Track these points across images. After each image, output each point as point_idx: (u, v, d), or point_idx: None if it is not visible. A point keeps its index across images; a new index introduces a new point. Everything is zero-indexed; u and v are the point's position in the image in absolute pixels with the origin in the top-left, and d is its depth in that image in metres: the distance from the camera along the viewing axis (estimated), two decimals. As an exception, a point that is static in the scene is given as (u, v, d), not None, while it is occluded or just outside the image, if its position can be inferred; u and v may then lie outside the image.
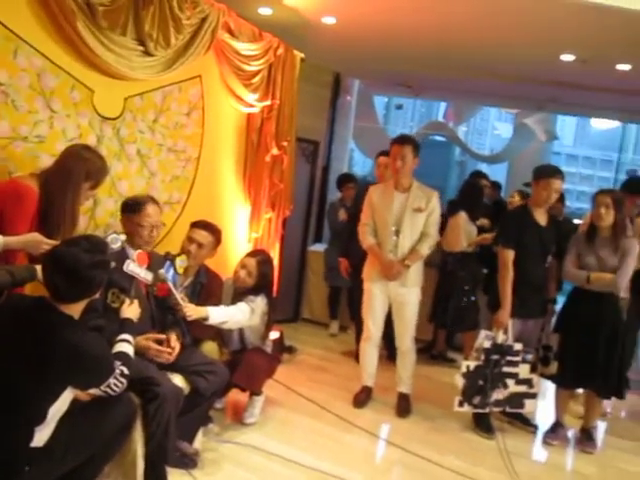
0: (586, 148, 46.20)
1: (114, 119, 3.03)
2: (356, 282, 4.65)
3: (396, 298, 3.72)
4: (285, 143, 4.44)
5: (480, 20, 4.28)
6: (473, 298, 4.51)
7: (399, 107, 19.54)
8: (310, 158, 5.98)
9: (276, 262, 4.50)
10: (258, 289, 3.30)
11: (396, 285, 3.67)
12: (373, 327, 3.80)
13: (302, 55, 4.58)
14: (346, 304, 5.35)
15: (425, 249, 3.63)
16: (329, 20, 4.62)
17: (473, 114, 15.39)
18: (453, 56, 5.37)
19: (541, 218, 3.53)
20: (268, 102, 4.21)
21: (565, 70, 5.36)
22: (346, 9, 4.36)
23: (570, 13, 3.89)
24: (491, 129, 42.73)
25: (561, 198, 4.51)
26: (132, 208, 2.71)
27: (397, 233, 3.62)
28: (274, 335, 3.67)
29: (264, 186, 4.34)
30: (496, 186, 6.92)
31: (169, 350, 2.63)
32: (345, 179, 5.56)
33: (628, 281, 3.40)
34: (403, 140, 3.68)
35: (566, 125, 41.30)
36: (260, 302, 3.26)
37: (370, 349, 3.87)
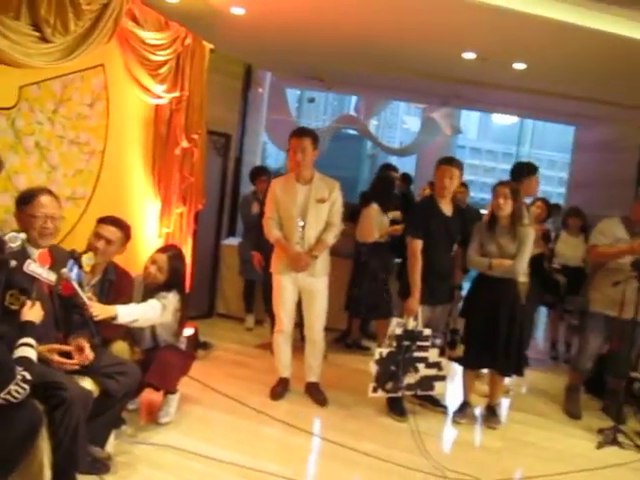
0: (489, 142, 48.82)
1: (8, 109, 2.84)
2: (270, 275, 4.67)
3: (305, 288, 3.78)
4: (195, 136, 4.35)
5: (386, 17, 4.39)
6: (386, 287, 4.65)
7: (311, 100, 19.70)
8: (222, 151, 5.90)
9: (189, 257, 4.42)
10: (170, 285, 3.22)
11: (305, 275, 3.72)
12: (285, 319, 3.84)
13: (211, 46, 4.51)
14: (261, 297, 5.35)
15: (330, 238, 3.71)
16: (238, 11, 4.56)
17: (383, 108, 15.80)
18: (362, 51, 5.48)
19: (446, 208, 3.71)
20: (177, 93, 4.11)
21: (467, 67, 5.61)
22: (255, 0, 4.33)
23: (470, 13, 4.07)
24: (400, 123, 44.05)
25: (464, 186, 4.76)
26: (25, 200, 2.54)
27: (303, 224, 3.67)
28: (188, 332, 3.60)
29: (174, 180, 4.24)
30: (406, 178, 7.18)
31: (76, 362, 2.49)
32: (258, 172, 5.54)
33: (526, 266, 3.65)
34: (301, 133, 3.73)
35: (470, 120, 43.42)
36: (172, 298, 3.19)
37: (283, 341, 3.90)
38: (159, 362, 3.14)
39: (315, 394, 3.88)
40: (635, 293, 3.65)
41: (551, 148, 40.36)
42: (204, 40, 4.38)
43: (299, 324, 3.97)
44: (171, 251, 3.35)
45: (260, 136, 7.35)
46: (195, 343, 4.23)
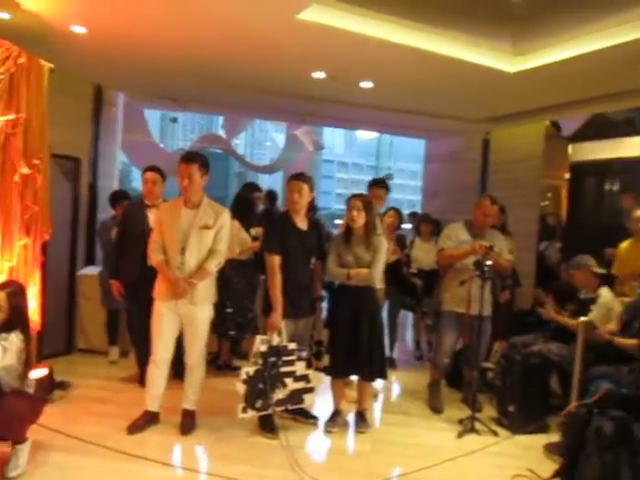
0: (355, 156, 50.97)
1: None
2: (132, 304, 4.46)
3: (185, 316, 3.65)
4: (37, 161, 4.05)
5: (227, 38, 4.43)
6: (252, 304, 4.64)
7: (174, 120, 19.30)
8: (70, 176, 5.55)
9: (38, 291, 4.09)
10: (11, 324, 2.96)
11: (185, 303, 3.60)
12: (160, 347, 3.67)
13: (51, 65, 4.23)
14: (126, 327, 5.09)
15: (212, 266, 3.61)
16: (79, 29, 4.36)
17: (246, 126, 15.89)
18: (209, 70, 5.47)
19: (301, 223, 3.79)
20: (12, 116, 3.80)
21: (319, 86, 5.82)
22: (95, 19, 4.17)
23: (314, 34, 4.23)
24: (270, 140, 44.53)
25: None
26: None
27: (183, 250, 3.56)
28: (38, 373, 3.33)
29: (15, 210, 3.90)
30: (271, 195, 7.25)
31: None
32: (118, 196, 5.31)
33: (382, 273, 3.83)
34: (189, 158, 3.63)
35: (337, 135, 45.10)
36: (14, 339, 2.93)
37: (157, 371, 3.71)
38: (3, 411, 2.86)
39: (183, 422, 3.74)
40: (478, 290, 3.97)
41: (409, 159, 43.04)
42: (44, 59, 4.12)
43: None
44: (10, 287, 3.09)
45: (115, 159, 7.03)
46: (50, 384, 3.92)
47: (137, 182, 18.28)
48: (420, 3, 4.19)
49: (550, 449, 3.64)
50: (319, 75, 5.37)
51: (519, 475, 3.34)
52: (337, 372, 3.88)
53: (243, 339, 4.97)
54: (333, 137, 46.36)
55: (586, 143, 6.72)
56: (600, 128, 6.52)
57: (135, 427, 3.66)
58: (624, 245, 4.81)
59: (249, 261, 4.71)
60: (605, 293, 4.22)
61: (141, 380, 4.20)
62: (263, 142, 44.38)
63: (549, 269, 6.56)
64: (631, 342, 3.65)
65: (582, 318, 3.80)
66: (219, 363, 5.04)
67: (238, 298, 4.57)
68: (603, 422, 3.04)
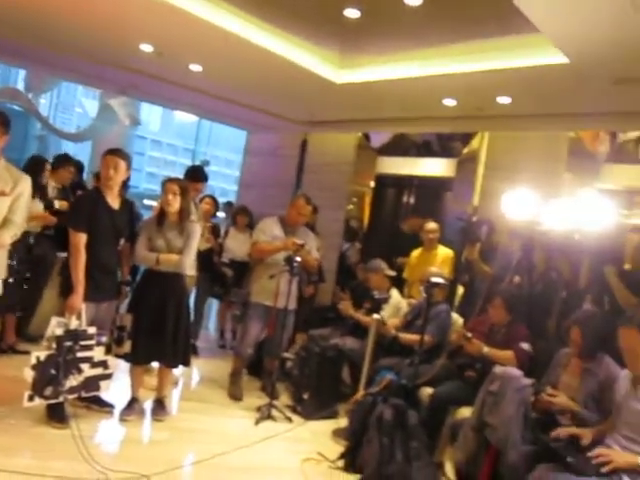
0: (171, 136, 49.27)
1: None
2: None
3: None
4: None
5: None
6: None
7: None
8: None
9: None
10: None
11: None
12: None
13: None
14: None
15: (6, 238, 3.15)
16: None
17: (54, 86, 14.42)
18: (25, 21, 4.89)
19: (113, 201, 3.59)
20: None
21: (144, 60, 5.55)
22: None
23: (142, 4, 4.04)
24: (78, 105, 40.88)
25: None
26: None
27: None
28: None
29: None
30: (78, 166, 6.69)
31: None
32: None
33: (194, 260, 3.80)
34: None
35: (153, 112, 43.10)
36: None
37: None
38: None
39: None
40: (287, 285, 4.16)
41: (228, 148, 42.99)
42: None
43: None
44: None
45: None
46: None
47: None
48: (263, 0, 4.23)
49: (338, 434, 3.96)
50: (146, 48, 5.12)
51: (309, 458, 3.58)
52: (139, 359, 3.76)
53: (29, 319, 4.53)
54: (150, 113, 44.28)
55: (390, 157, 7.40)
56: (402, 146, 7.25)
57: None
58: (415, 253, 5.42)
59: (49, 235, 4.31)
60: (395, 294, 4.72)
61: None
62: (70, 106, 40.61)
63: (349, 268, 7.09)
64: (413, 338, 4.14)
65: (375, 315, 4.21)
66: (2, 346, 4.53)
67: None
68: (384, 409, 3.41)
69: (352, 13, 4.14)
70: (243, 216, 6.19)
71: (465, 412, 3.40)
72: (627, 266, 3.81)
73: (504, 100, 5.03)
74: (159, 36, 4.84)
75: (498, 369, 3.08)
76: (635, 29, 3.20)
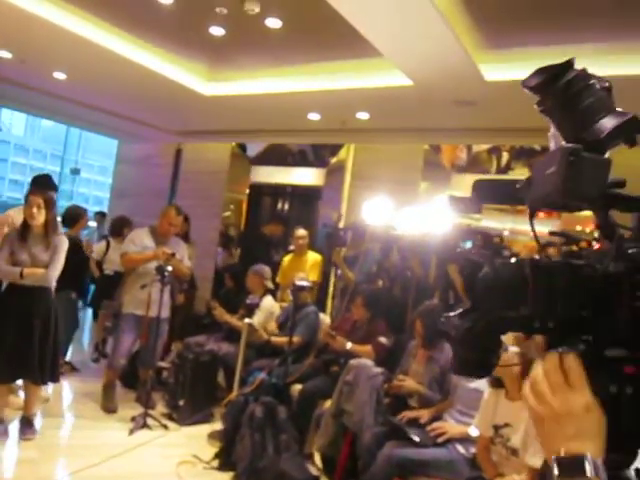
0: (37, 141, 45.95)
1: None
2: None
3: None
4: None
5: None
6: None
7: None
8: None
9: None
10: None
11: None
12: None
13: None
14: None
15: None
16: None
17: None
18: None
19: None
20: None
21: (6, 66, 5.32)
22: None
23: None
24: None
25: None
26: None
27: None
28: None
29: None
30: None
31: None
32: None
33: (60, 274, 3.75)
34: None
35: (17, 115, 40.00)
36: None
37: None
38: None
39: None
40: (158, 294, 4.23)
41: (102, 154, 41.00)
42: None
43: None
44: None
45: None
46: None
47: None
48: (128, 12, 4.27)
49: (213, 436, 4.09)
50: (5, 54, 4.93)
51: (184, 461, 3.69)
52: (3, 377, 3.64)
53: None
54: (12, 117, 41.08)
55: (264, 167, 7.65)
56: (277, 154, 7.53)
57: None
58: (286, 259, 5.69)
59: None
60: (268, 299, 4.94)
61: None
62: None
63: (221, 275, 7.14)
64: (283, 340, 4.38)
65: (247, 320, 4.40)
66: None
67: None
68: (255, 407, 3.61)
69: (217, 31, 4.33)
70: (129, 228, 6.04)
71: (329, 404, 3.70)
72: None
73: (363, 115, 5.47)
74: (18, 43, 4.70)
75: (353, 361, 3.41)
76: (460, 62, 3.70)
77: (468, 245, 4.75)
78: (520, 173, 7.04)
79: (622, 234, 0.85)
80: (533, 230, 0.91)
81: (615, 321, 0.82)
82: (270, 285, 5.01)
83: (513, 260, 0.89)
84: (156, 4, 3.95)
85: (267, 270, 5.03)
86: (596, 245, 0.91)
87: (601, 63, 3.73)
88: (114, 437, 3.99)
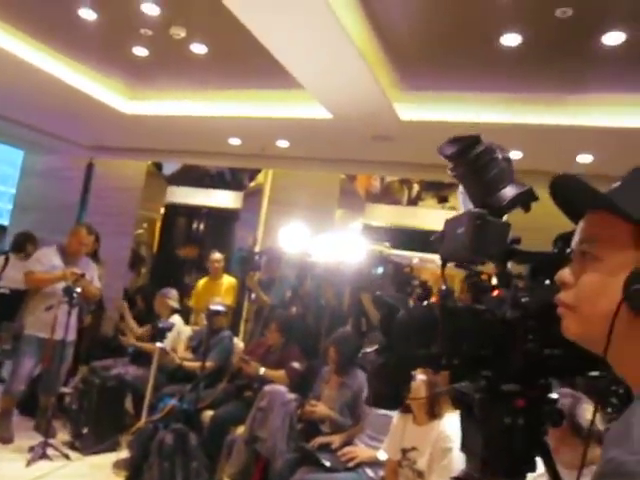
0: None
1: None
2: None
3: None
4: None
5: None
6: None
7: None
8: None
9: None
10: None
11: None
12: None
13: None
14: None
15: None
16: None
17: None
18: None
19: None
20: None
21: None
22: None
23: None
24: None
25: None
26: None
27: None
28: None
29: None
30: None
31: None
32: None
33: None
34: None
35: None
36: None
37: None
38: None
39: None
40: (65, 316, 4.06)
41: (2, 163, 38.46)
42: None
43: None
44: None
45: None
46: None
47: None
48: (48, 24, 4.13)
49: (119, 465, 3.94)
50: None
51: (86, 493, 3.54)
52: None
53: None
54: None
55: (181, 187, 7.56)
56: (194, 175, 7.48)
57: None
58: (201, 282, 5.64)
59: None
60: (178, 322, 4.86)
61: None
62: None
63: (130, 297, 6.91)
64: (196, 365, 4.32)
65: (158, 344, 4.31)
66: None
67: None
68: (165, 434, 3.54)
69: (141, 51, 4.30)
70: (34, 246, 5.70)
71: (242, 430, 3.70)
72: (378, 292, 4.51)
73: (283, 143, 5.59)
74: None
75: (267, 387, 3.45)
76: (377, 100, 3.92)
77: (380, 271, 4.94)
78: (429, 204, 7.45)
79: (517, 284, 0.98)
80: (443, 277, 1.02)
81: (510, 360, 0.94)
82: (175, 305, 4.92)
83: (425, 304, 1.00)
84: (79, 19, 3.87)
85: (173, 292, 4.95)
86: (495, 292, 1.04)
87: (507, 111, 4.10)
88: (10, 469, 3.76)
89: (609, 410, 2.29)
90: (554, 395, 0.99)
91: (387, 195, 8.17)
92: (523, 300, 0.95)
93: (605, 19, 3.01)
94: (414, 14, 3.34)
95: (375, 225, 7.01)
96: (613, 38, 3.16)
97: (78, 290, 4.05)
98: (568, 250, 1.00)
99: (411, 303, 1.01)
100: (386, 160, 5.70)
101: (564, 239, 1.00)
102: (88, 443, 4.19)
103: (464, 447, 1.00)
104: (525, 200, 0.89)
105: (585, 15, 2.97)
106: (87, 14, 3.82)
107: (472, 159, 0.88)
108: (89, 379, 4.43)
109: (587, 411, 1.77)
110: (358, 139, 5.02)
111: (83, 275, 4.15)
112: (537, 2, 2.92)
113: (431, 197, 7.14)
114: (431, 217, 6.90)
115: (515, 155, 4.86)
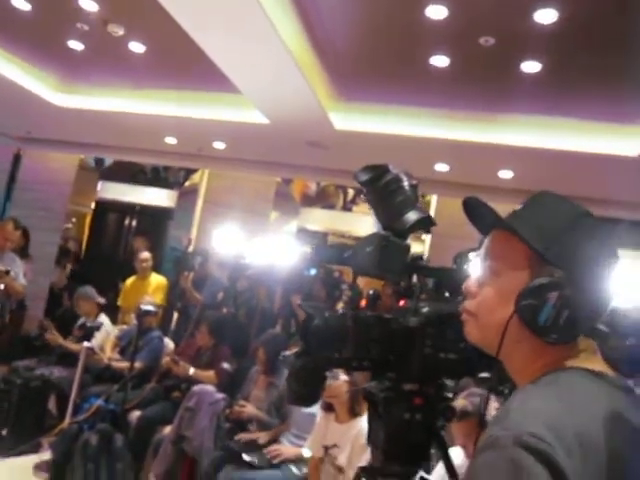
0: None
1: None
2: None
3: None
4: None
5: None
6: None
7: None
8: None
9: None
10: None
11: None
12: None
13: None
14: None
15: None
16: None
17: None
18: None
19: None
20: None
21: None
22: None
23: None
24: None
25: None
26: None
27: None
28: None
29: None
30: None
31: None
32: None
33: None
34: None
35: None
36: None
37: None
38: None
39: None
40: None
41: None
42: None
43: None
44: None
45: None
46: None
47: None
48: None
49: (40, 467, 3.85)
50: None
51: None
52: None
53: None
54: None
55: (112, 183, 7.42)
56: (127, 171, 7.36)
57: None
58: (129, 281, 5.55)
59: None
60: (106, 322, 4.78)
61: None
62: None
63: (56, 294, 6.71)
64: (124, 365, 4.29)
65: (85, 343, 4.24)
66: None
67: None
68: (90, 435, 3.51)
69: (76, 45, 4.23)
70: None
71: (169, 430, 3.71)
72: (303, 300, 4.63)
73: (220, 145, 5.62)
74: None
75: (196, 387, 3.49)
76: (312, 109, 4.05)
77: (312, 272, 5.07)
78: (363, 210, 7.67)
79: (419, 295, 1.12)
80: (356, 285, 1.14)
81: (411, 363, 1.08)
82: (102, 301, 4.82)
83: (339, 312, 1.12)
84: (12, 8, 3.77)
85: (92, 290, 4.82)
86: (402, 302, 1.18)
87: (435, 126, 4.33)
88: None
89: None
90: (448, 394, 1.13)
91: (322, 198, 8.34)
92: (423, 310, 1.09)
93: (523, 49, 3.26)
94: (351, 29, 3.48)
95: (310, 229, 7.16)
96: (531, 66, 3.42)
97: (1, 287, 3.95)
98: (465, 266, 1.15)
99: (328, 312, 1.13)
100: (321, 166, 5.84)
101: (462, 257, 1.15)
102: (8, 445, 4.07)
103: (369, 440, 1.13)
104: (425, 224, 1.03)
105: (505, 45, 3.21)
106: (21, 4, 3.74)
107: (381, 186, 1.00)
108: (10, 379, 4.30)
109: (495, 409, 1.95)
110: (294, 145, 5.13)
111: (7, 272, 4.04)
112: (462, 30, 3.13)
113: (365, 202, 7.36)
114: (363, 223, 7.13)
115: (442, 168, 5.12)
